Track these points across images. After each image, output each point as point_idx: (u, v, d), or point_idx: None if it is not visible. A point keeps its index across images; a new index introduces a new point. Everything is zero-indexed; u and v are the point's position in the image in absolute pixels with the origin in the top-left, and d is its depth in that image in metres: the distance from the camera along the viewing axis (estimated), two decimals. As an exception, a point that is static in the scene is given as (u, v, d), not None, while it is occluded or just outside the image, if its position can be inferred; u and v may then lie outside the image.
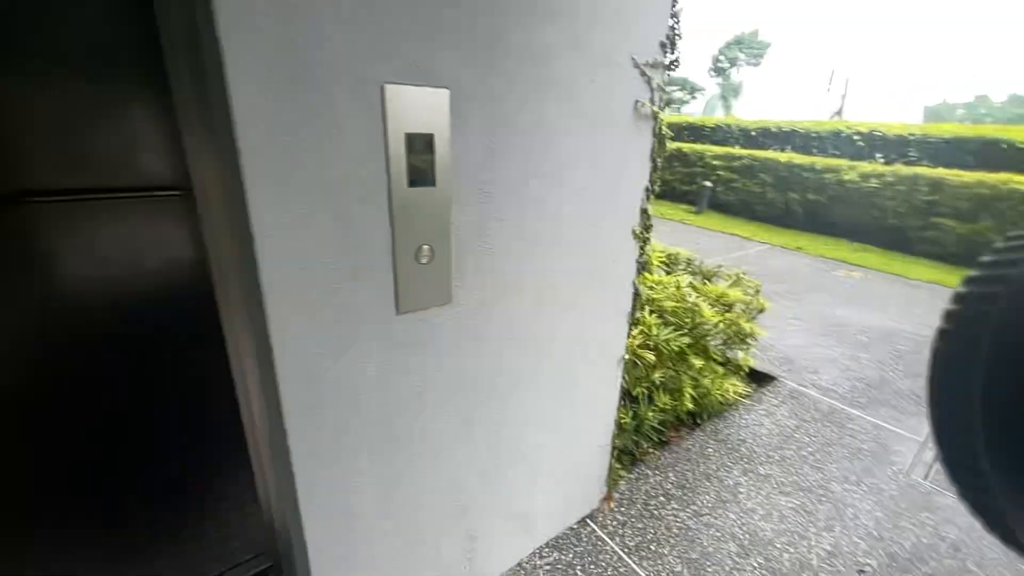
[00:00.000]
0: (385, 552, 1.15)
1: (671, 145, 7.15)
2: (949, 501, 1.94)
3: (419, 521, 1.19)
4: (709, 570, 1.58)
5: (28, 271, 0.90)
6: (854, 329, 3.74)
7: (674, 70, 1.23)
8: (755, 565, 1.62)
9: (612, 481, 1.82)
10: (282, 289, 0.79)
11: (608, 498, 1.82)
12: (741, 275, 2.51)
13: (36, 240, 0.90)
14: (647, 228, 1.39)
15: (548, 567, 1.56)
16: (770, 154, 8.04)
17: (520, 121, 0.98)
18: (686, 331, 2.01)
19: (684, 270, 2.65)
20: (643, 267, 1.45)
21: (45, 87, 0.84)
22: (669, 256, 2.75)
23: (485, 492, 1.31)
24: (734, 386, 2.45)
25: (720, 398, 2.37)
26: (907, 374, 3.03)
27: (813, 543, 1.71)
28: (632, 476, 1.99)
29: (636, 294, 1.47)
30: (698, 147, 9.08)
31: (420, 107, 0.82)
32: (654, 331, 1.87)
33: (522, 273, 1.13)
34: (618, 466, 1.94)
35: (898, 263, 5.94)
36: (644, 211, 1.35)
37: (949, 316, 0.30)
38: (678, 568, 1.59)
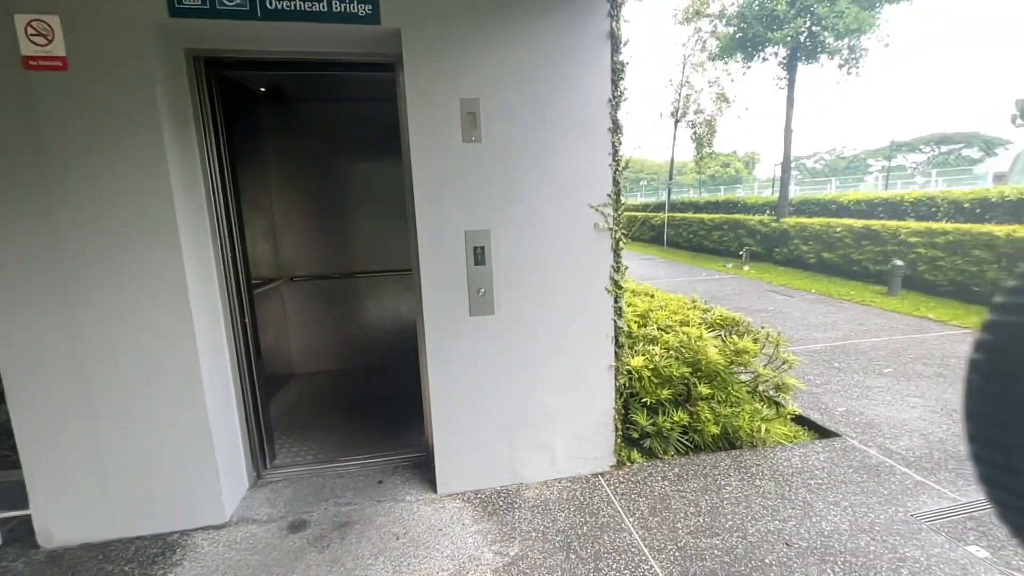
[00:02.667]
0: (469, 449, 2.48)
1: (857, 223, 7.34)
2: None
3: (482, 430, 2.49)
4: (676, 524, 2.37)
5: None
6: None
7: (619, 210, 2.41)
8: (704, 525, 2.32)
9: (622, 456, 2.74)
10: (431, 306, 2.30)
11: (617, 466, 2.73)
12: (770, 333, 3.09)
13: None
14: (618, 287, 2.50)
15: (564, 490, 2.60)
16: (986, 227, 6.97)
17: (526, 236, 2.35)
18: (688, 364, 2.83)
19: (733, 331, 3.35)
20: (619, 311, 2.54)
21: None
22: (725, 319, 3.47)
23: (518, 419, 2.53)
24: (769, 425, 2.98)
25: (751, 433, 2.94)
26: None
27: (765, 524, 2.29)
28: (646, 463, 2.82)
29: (616, 326, 2.55)
30: (891, 223, 8.33)
31: (479, 237, 2.28)
32: (655, 358, 2.79)
33: (531, 302, 2.42)
34: (638, 454, 2.82)
35: None
36: (612, 279, 2.49)
37: (979, 345, 0.31)
38: (647, 513, 2.41)
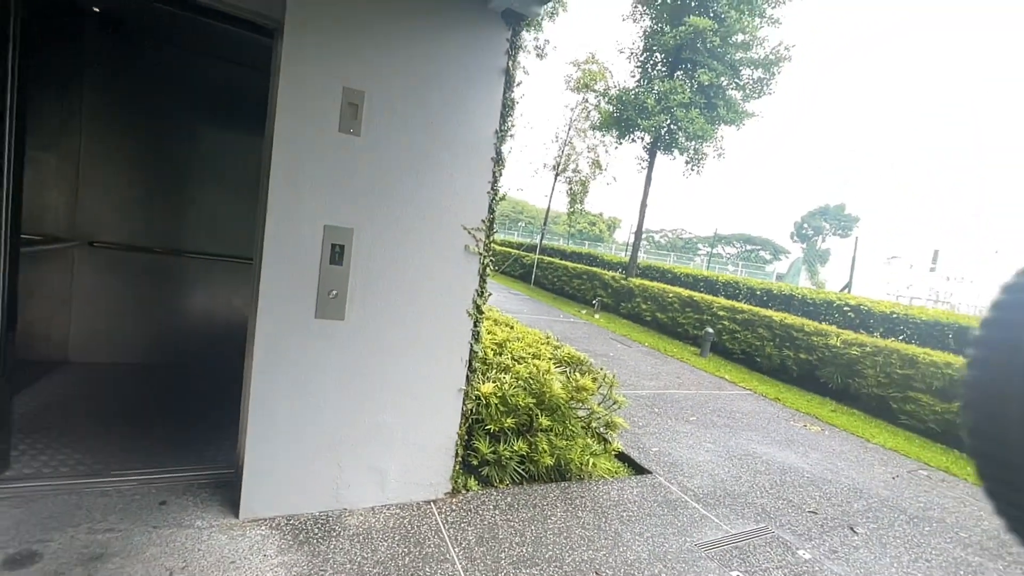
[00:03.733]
0: (288, 467, 2.18)
1: (684, 292, 8.39)
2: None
3: (307, 446, 2.22)
4: (500, 555, 2.36)
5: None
6: (760, 461, 4.26)
7: (491, 237, 2.46)
8: (526, 555, 2.36)
9: (458, 484, 2.68)
10: (268, 300, 2.02)
11: (452, 494, 2.66)
12: (607, 374, 3.42)
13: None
14: (479, 311, 2.52)
15: (392, 517, 2.42)
16: (767, 311, 8.80)
17: (391, 243, 2.24)
18: (534, 395, 2.95)
19: (576, 368, 3.60)
20: (477, 335, 2.54)
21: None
22: (572, 357, 3.73)
23: (351, 437, 2.31)
24: (597, 460, 3.22)
25: (580, 466, 3.14)
26: (774, 492, 3.54)
27: (581, 554, 2.42)
28: (481, 491, 2.81)
29: (472, 350, 2.55)
30: (708, 297, 10.04)
31: (341, 235, 2.10)
32: (504, 386, 2.85)
33: (387, 314, 2.29)
34: (474, 482, 2.79)
35: (864, 426, 6.18)
36: (475, 303, 2.50)
37: (978, 342, 0.31)
38: (474, 543, 2.37)
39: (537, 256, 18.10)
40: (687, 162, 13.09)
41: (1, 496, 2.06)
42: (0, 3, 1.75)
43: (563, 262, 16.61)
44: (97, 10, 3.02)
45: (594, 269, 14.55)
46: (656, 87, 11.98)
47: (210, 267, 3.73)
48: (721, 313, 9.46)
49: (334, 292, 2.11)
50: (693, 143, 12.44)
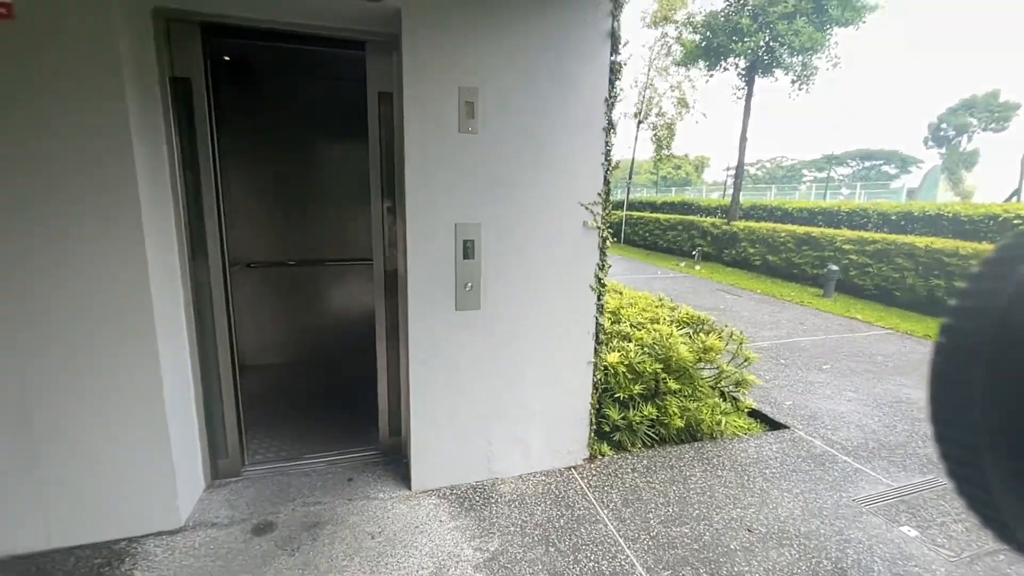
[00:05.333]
0: (446, 444, 2.44)
1: (799, 229, 7.81)
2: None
3: (461, 425, 2.46)
4: (648, 515, 2.46)
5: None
6: (917, 408, 3.85)
7: (607, 209, 2.44)
8: (673, 515, 2.43)
9: (595, 451, 2.80)
10: (416, 299, 2.23)
11: (589, 460, 2.80)
12: (733, 332, 3.27)
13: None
14: (602, 284, 2.54)
15: (539, 484, 2.63)
16: (908, 238, 7.68)
17: (515, 232, 2.33)
18: (660, 360, 2.93)
19: (699, 329, 3.50)
20: (601, 308, 2.58)
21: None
22: (692, 317, 3.62)
23: (497, 414, 2.52)
24: (728, 418, 3.15)
25: (711, 426, 3.10)
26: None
27: (728, 512, 2.43)
28: (616, 456, 2.91)
29: (598, 323, 2.59)
30: (828, 231, 9.00)
31: (470, 230, 2.23)
32: (631, 355, 2.87)
33: (517, 298, 2.41)
34: (608, 448, 2.90)
35: None
36: (597, 276, 2.52)
37: (945, 329, 0.30)
38: (620, 504, 2.49)
39: (625, 213, 17.42)
40: (793, 81, 11.52)
41: (241, 480, 2.58)
42: (194, 68, 2.07)
43: (653, 215, 15.83)
44: (228, 59, 3.41)
45: (689, 217, 13.69)
46: (751, 1, 10.56)
47: (344, 272, 4.19)
48: (847, 247, 8.45)
49: (469, 285, 2.26)
50: (799, 57, 10.87)
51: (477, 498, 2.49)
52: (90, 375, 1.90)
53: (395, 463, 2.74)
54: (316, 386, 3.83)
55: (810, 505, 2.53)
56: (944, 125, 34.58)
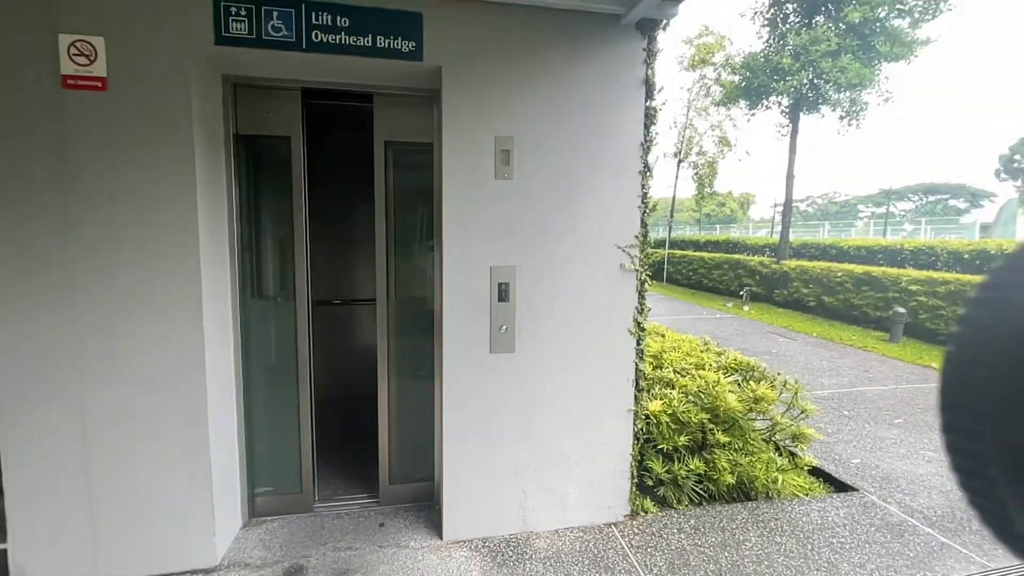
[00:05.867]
0: (479, 493, 2.37)
1: (858, 268, 7.41)
2: None
3: (495, 473, 2.38)
4: None
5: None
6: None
7: (645, 251, 2.39)
8: (725, 582, 2.20)
9: (636, 506, 2.62)
10: (451, 341, 2.23)
11: (631, 516, 2.61)
12: (788, 379, 3.03)
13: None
14: (641, 328, 2.45)
15: (577, 540, 2.47)
16: (985, 280, 7.04)
17: (550, 275, 2.31)
18: (706, 410, 2.75)
19: (749, 376, 3.29)
20: (640, 354, 2.48)
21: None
22: (740, 363, 3.42)
23: (532, 462, 2.42)
24: (785, 476, 2.89)
25: (766, 483, 2.84)
26: None
27: (788, 588, 2.17)
28: (660, 513, 2.70)
29: (638, 369, 2.49)
30: (891, 271, 8.42)
31: (505, 273, 2.24)
32: (674, 403, 2.71)
33: (552, 342, 2.36)
34: (651, 504, 2.71)
35: None
36: (636, 320, 2.45)
37: (954, 339, 0.30)
38: (665, 570, 2.29)
39: (667, 251, 17.12)
40: (842, 117, 11.21)
41: (277, 520, 2.59)
42: (293, 130, 2.29)
43: (697, 253, 15.44)
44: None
45: (735, 256, 13.24)
46: (791, 41, 10.53)
47: (368, 311, 4.30)
48: (914, 288, 7.85)
49: (504, 327, 2.25)
50: (847, 93, 10.61)
51: (510, 553, 2.37)
52: (144, 410, 2.00)
53: (427, 510, 2.67)
54: (349, 424, 3.86)
55: (887, 584, 2.23)
56: (1017, 156, 32.25)
